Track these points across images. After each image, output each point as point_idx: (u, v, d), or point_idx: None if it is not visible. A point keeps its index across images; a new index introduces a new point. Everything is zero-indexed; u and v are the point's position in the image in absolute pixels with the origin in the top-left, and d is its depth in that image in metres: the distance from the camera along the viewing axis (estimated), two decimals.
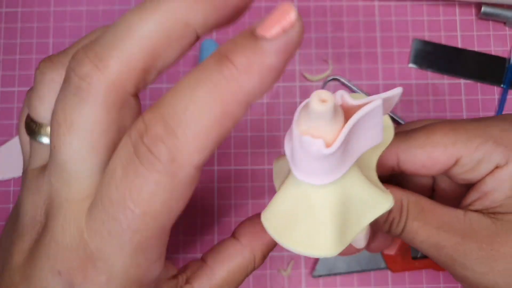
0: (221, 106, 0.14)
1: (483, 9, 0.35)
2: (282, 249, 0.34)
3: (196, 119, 0.14)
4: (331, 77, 0.35)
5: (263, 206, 0.19)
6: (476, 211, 0.22)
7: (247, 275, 0.22)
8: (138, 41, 0.15)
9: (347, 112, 0.16)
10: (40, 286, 0.16)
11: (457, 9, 0.37)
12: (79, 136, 0.15)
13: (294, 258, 0.34)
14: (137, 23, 0.15)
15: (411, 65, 0.36)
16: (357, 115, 0.15)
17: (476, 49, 0.36)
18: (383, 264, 0.33)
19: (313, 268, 0.34)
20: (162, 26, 0.14)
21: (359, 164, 0.19)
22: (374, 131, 0.17)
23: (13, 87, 0.36)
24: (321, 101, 0.15)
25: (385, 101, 0.16)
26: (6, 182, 0.35)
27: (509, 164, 0.21)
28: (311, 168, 0.17)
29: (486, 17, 0.36)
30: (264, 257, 0.22)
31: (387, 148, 0.21)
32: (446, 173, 0.23)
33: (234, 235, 0.22)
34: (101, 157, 0.16)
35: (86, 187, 0.16)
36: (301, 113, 0.16)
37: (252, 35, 0.13)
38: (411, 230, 0.22)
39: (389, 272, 0.34)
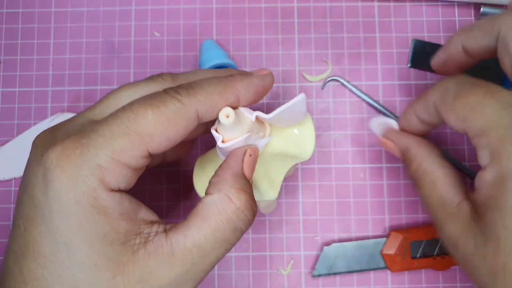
0: (223, 88, 0.23)
1: (482, 9, 0.36)
2: (282, 249, 0.34)
3: (206, 86, 0.23)
4: (330, 78, 0.35)
5: None
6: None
7: (229, 218, 0.22)
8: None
9: (263, 122, 0.26)
10: None
11: (456, 10, 0.37)
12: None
13: (294, 258, 0.34)
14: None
15: (410, 65, 0.36)
16: (236, 141, 0.24)
17: None
18: (382, 264, 0.33)
19: (313, 268, 0.34)
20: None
21: (271, 163, 0.27)
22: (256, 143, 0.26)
23: (14, 88, 0.36)
24: (225, 116, 0.23)
25: (293, 108, 0.24)
26: (7, 182, 0.35)
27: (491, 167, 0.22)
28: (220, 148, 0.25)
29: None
30: (243, 191, 0.22)
31: (453, 44, 0.29)
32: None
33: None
34: None
35: None
36: (218, 118, 0.23)
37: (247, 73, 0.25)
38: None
39: (388, 272, 0.34)
